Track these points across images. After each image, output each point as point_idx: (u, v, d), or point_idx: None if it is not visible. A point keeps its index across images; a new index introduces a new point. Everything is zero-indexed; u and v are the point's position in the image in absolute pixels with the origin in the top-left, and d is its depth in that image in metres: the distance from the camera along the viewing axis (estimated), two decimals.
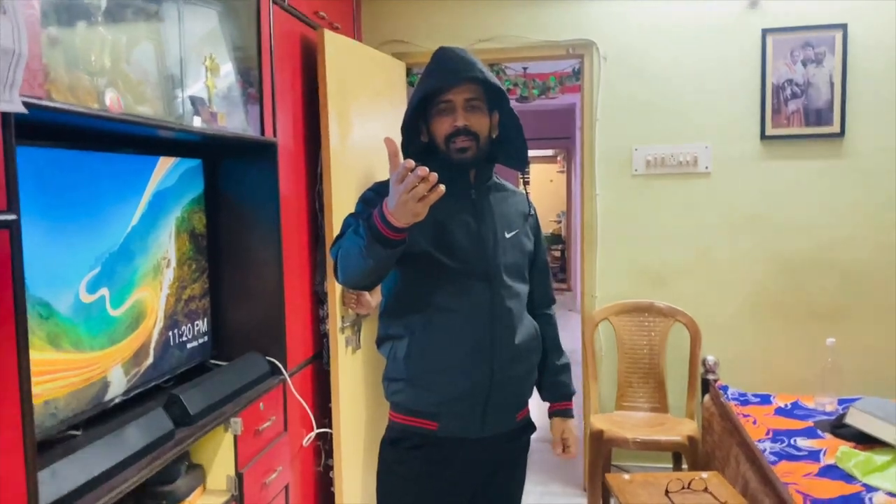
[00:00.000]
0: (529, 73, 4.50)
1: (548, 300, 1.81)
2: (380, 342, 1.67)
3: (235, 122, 2.15)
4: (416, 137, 1.64)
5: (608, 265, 3.37)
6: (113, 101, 1.54)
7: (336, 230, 2.44)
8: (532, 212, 1.74)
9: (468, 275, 1.57)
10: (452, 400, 1.56)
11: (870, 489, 1.92)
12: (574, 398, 1.81)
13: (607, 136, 3.33)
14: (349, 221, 1.56)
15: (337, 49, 2.55)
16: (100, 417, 1.67)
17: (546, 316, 1.79)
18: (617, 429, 2.92)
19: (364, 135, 2.76)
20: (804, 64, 3.11)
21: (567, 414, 1.78)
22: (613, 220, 3.36)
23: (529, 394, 1.71)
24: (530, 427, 1.73)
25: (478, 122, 1.57)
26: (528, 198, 1.75)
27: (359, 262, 1.41)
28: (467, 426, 1.59)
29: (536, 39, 3.34)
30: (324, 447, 2.69)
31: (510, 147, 1.67)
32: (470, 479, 1.63)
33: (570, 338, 2.49)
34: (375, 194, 1.58)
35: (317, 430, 2.56)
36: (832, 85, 3.10)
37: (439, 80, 1.55)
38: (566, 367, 1.79)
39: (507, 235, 1.63)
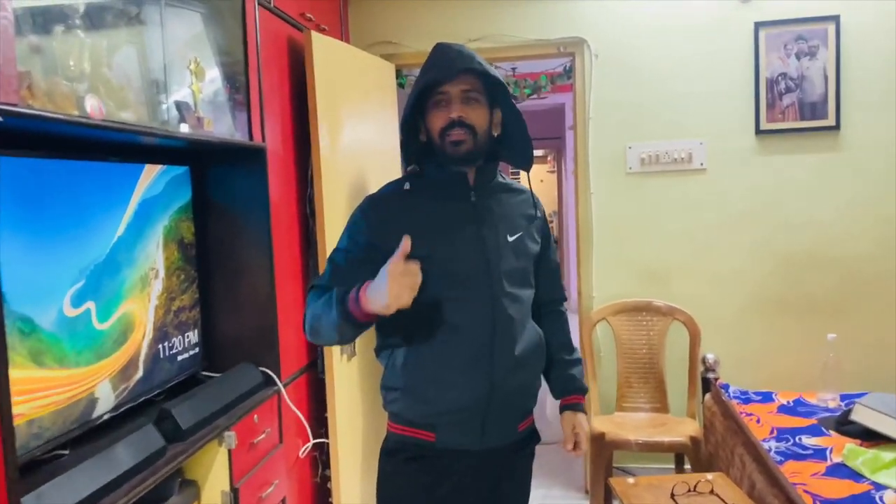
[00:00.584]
0: (519, 72, 4.46)
1: (558, 298, 1.77)
2: (378, 350, 1.63)
3: (222, 127, 2.10)
4: (416, 137, 1.58)
5: (604, 265, 3.34)
6: (94, 108, 1.48)
7: (328, 235, 2.40)
8: (539, 213, 1.67)
9: (468, 282, 1.51)
10: (450, 411, 1.51)
11: (879, 487, 1.89)
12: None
13: (600, 134, 3.30)
14: (332, 259, 1.56)
15: (325, 51, 2.51)
16: (88, 436, 1.61)
17: (556, 312, 1.75)
18: (619, 430, 2.89)
19: (354, 137, 2.71)
20: (798, 57, 3.09)
21: (578, 408, 1.71)
22: (609, 220, 3.32)
23: (533, 403, 1.65)
24: (534, 437, 1.67)
25: (475, 115, 1.51)
26: (533, 197, 1.68)
27: (327, 332, 1.47)
28: (466, 438, 1.54)
29: (527, 38, 3.31)
30: (321, 458, 2.63)
31: (514, 147, 1.62)
32: (472, 491, 1.58)
33: None
34: (362, 215, 1.57)
35: (313, 441, 2.51)
36: (826, 78, 3.07)
37: (436, 73, 1.50)
38: (577, 363, 1.74)
39: (510, 239, 1.57)
